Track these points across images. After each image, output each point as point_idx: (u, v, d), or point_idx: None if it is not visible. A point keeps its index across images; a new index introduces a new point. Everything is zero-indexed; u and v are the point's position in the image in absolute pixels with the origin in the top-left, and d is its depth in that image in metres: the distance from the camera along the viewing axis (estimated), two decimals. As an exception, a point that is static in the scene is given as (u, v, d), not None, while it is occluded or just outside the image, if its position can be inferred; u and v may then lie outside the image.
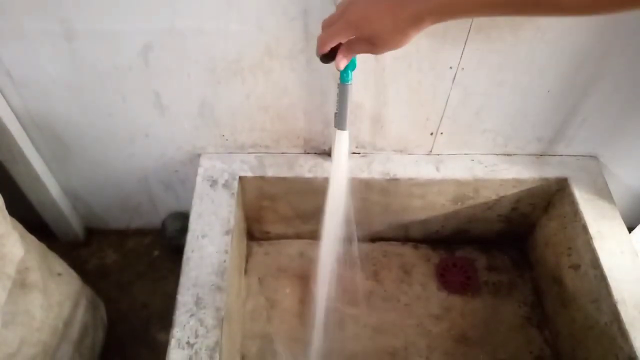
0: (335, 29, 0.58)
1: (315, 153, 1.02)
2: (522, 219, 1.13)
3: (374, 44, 0.56)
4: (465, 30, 0.77)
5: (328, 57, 0.63)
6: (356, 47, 0.59)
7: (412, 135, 0.98)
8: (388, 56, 0.81)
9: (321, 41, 0.60)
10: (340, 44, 0.60)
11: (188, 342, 0.78)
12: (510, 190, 1.04)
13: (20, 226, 0.83)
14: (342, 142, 0.84)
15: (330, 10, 0.72)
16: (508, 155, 1.03)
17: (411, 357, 1.03)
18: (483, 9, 0.47)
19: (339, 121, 0.86)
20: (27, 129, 0.96)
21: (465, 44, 0.79)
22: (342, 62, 0.62)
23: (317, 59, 0.83)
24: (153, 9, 0.74)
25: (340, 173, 0.88)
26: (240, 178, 0.99)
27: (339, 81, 0.80)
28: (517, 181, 1.01)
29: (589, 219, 0.94)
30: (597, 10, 0.43)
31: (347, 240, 1.01)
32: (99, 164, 1.06)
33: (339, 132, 0.84)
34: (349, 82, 0.79)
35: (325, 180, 0.99)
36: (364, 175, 0.99)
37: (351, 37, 0.58)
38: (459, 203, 1.07)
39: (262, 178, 1.00)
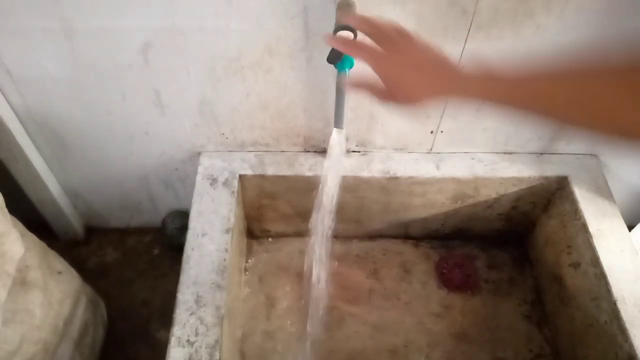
0: (367, 50, 0.54)
1: (315, 151, 1.02)
2: (522, 218, 1.13)
3: (391, 90, 0.53)
4: (466, 29, 0.77)
5: (335, 57, 0.63)
6: (377, 92, 0.54)
7: (412, 133, 0.98)
8: (388, 54, 0.81)
9: (345, 44, 0.57)
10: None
11: (188, 340, 0.78)
12: (511, 189, 1.04)
13: (20, 224, 0.83)
14: (337, 139, 0.84)
15: (330, 8, 0.72)
16: (508, 153, 1.03)
17: (411, 355, 1.04)
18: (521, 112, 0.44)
19: (335, 119, 0.86)
20: (27, 128, 0.96)
21: (465, 42, 0.79)
22: (352, 86, 0.57)
23: (317, 57, 0.84)
24: (153, 6, 0.74)
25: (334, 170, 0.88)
26: (240, 176, 0.99)
27: (336, 75, 0.79)
28: (517, 179, 1.01)
29: (589, 218, 0.94)
30: None
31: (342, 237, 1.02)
32: (99, 163, 1.06)
33: (335, 129, 0.84)
34: (346, 73, 0.79)
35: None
36: (364, 173, 0.99)
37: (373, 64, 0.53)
38: (459, 201, 1.07)
39: (262, 176, 1.00)
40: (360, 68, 0.81)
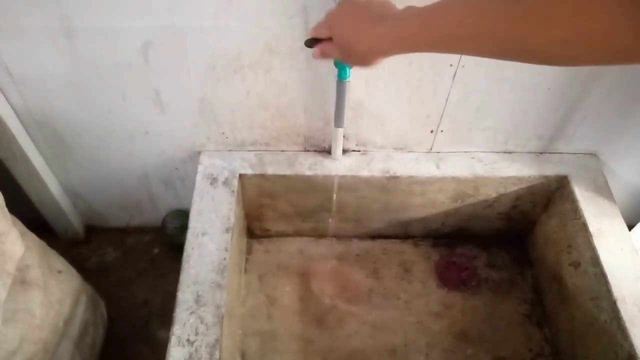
0: (318, 24, 0.63)
1: (315, 151, 1.02)
2: (522, 217, 1.13)
3: (344, 51, 0.58)
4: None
5: (310, 42, 0.66)
6: (332, 49, 0.61)
7: (412, 132, 0.98)
8: (388, 53, 0.81)
9: (310, 31, 0.65)
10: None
11: (188, 340, 0.78)
12: (511, 188, 1.04)
13: (20, 224, 0.83)
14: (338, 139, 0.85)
15: (329, 7, 0.72)
16: (508, 152, 1.03)
17: (411, 355, 1.04)
18: (447, 49, 0.46)
19: (335, 118, 0.87)
20: (27, 127, 0.96)
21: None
22: (316, 52, 0.64)
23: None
24: (153, 6, 0.74)
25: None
26: (240, 176, 0.99)
27: (337, 78, 0.80)
28: (517, 179, 1.01)
29: (589, 217, 0.94)
30: (569, 60, 0.37)
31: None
32: (99, 162, 1.06)
33: (335, 129, 0.85)
34: (347, 80, 0.79)
35: (326, 178, 0.99)
36: (364, 172, 0.99)
37: (329, 36, 0.61)
38: (459, 201, 1.07)
39: (262, 176, 1.00)
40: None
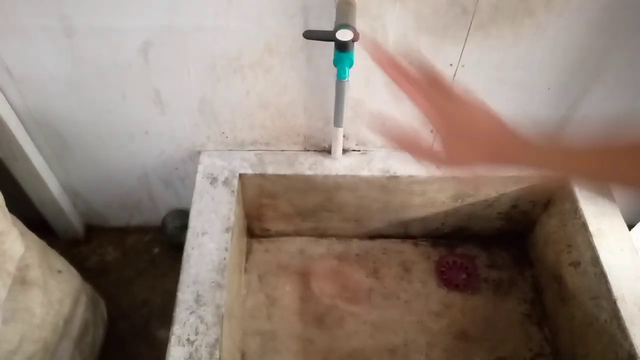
0: (419, 88, 0.46)
1: (316, 150, 1.02)
2: (522, 217, 1.13)
3: (448, 129, 0.45)
4: (466, 28, 0.77)
5: (312, 35, 0.64)
6: (425, 103, 0.46)
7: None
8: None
9: (393, 69, 0.47)
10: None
11: (188, 339, 0.78)
12: (511, 188, 1.03)
13: (20, 223, 0.83)
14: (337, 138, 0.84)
15: (330, 7, 0.72)
16: (508, 152, 1.03)
17: (411, 354, 1.04)
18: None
19: (335, 117, 0.86)
20: (26, 126, 0.96)
21: (465, 41, 0.79)
22: (382, 61, 0.46)
23: (317, 56, 0.84)
24: (153, 6, 0.74)
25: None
26: (240, 175, 0.99)
27: (336, 78, 0.80)
28: (518, 178, 1.01)
29: (589, 217, 0.94)
30: None
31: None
32: (99, 161, 1.06)
33: (335, 128, 0.84)
34: (346, 79, 0.79)
35: (326, 178, 0.99)
36: (364, 172, 0.99)
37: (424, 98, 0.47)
38: (459, 200, 1.07)
39: (262, 175, 1.00)
40: (362, 63, 0.81)
